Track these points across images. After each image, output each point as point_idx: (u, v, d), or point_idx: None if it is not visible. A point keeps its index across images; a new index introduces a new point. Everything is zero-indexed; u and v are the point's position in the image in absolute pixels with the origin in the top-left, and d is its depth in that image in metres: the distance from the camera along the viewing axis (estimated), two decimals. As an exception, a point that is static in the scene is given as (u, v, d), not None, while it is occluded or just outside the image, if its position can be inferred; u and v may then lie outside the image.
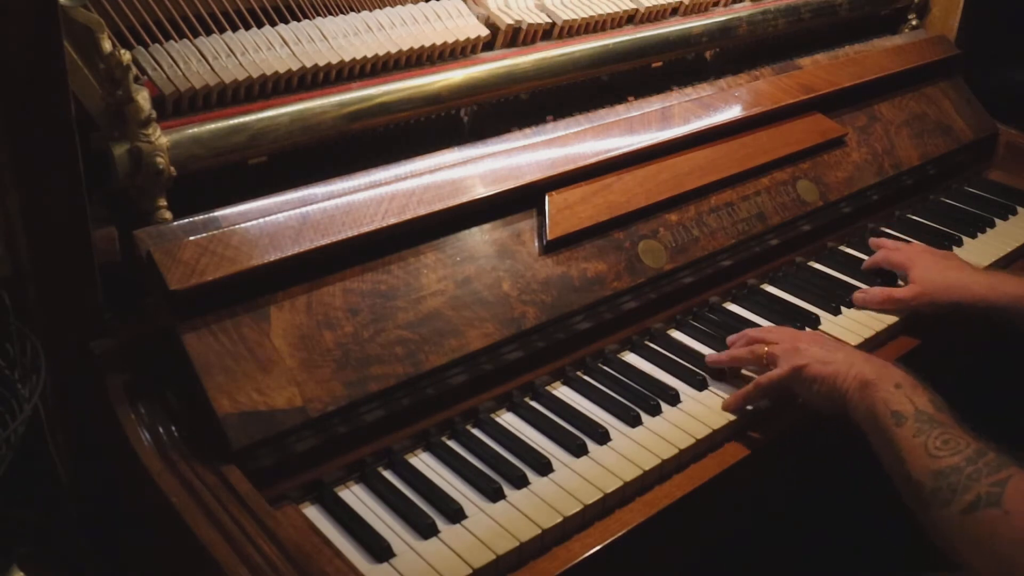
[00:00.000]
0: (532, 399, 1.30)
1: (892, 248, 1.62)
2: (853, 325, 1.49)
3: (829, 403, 1.22)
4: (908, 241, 1.75)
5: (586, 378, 1.34)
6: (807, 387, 1.25)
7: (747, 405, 1.29)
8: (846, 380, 1.20)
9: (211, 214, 1.15)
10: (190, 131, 1.16)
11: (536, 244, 1.35)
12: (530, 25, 1.50)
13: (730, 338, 1.39)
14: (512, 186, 1.34)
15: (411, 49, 1.38)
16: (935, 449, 1.06)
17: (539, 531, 1.07)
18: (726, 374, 1.35)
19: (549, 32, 1.54)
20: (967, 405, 1.14)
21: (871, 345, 1.47)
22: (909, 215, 1.86)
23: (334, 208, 1.20)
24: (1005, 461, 1.03)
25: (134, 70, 1.11)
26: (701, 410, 1.28)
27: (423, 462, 1.18)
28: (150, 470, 1.05)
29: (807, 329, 1.46)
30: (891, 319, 1.51)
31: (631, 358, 1.39)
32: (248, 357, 1.09)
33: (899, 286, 1.55)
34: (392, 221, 1.22)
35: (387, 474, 1.16)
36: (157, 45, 1.20)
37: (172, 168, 1.13)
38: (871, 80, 1.87)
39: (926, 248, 1.62)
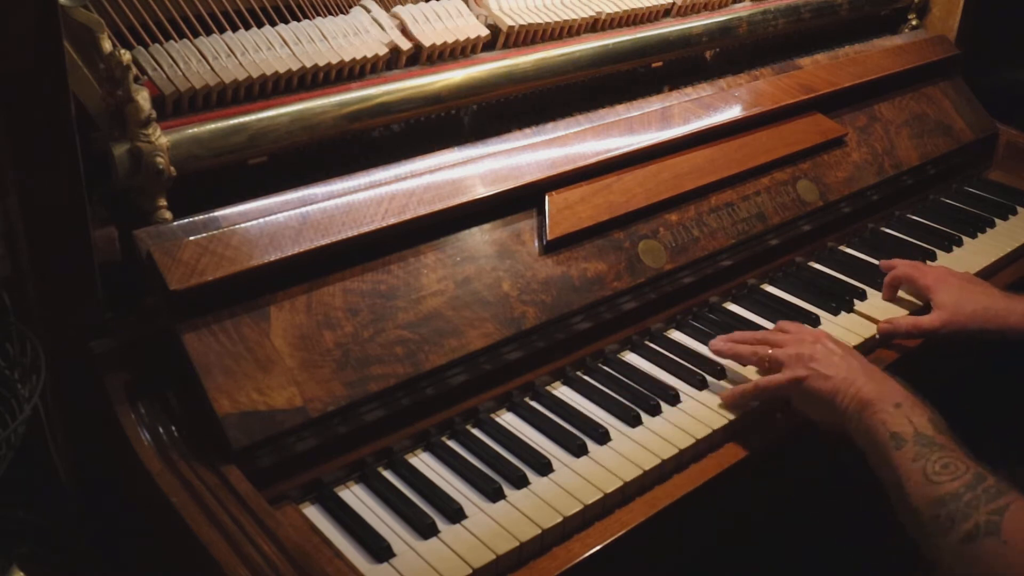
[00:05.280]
0: (532, 399, 1.30)
1: (913, 267, 1.56)
2: (853, 325, 1.49)
3: (827, 419, 1.22)
4: (909, 241, 1.75)
5: (586, 378, 1.34)
6: (805, 400, 1.24)
7: (743, 403, 1.28)
8: (845, 398, 1.18)
9: (211, 214, 1.15)
10: (190, 131, 1.16)
11: (536, 244, 1.35)
12: (530, 25, 1.50)
13: (740, 334, 1.37)
14: (512, 186, 1.34)
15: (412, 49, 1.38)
16: (934, 474, 1.05)
17: (539, 531, 1.07)
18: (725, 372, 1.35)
19: (549, 32, 1.54)
20: (965, 408, 1.13)
21: (871, 345, 1.47)
22: (909, 215, 1.86)
23: (334, 208, 1.20)
24: (1003, 488, 1.02)
25: (134, 70, 1.11)
26: (701, 410, 1.28)
27: (423, 462, 1.18)
28: (150, 470, 1.05)
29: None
30: (891, 319, 1.51)
31: (631, 358, 1.39)
32: (248, 357, 1.09)
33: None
34: (392, 221, 1.22)
35: (387, 474, 1.16)
36: (157, 45, 1.20)
37: (172, 168, 1.13)
38: (871, 80, 1.87)
39: (949, 271, 1.55)
